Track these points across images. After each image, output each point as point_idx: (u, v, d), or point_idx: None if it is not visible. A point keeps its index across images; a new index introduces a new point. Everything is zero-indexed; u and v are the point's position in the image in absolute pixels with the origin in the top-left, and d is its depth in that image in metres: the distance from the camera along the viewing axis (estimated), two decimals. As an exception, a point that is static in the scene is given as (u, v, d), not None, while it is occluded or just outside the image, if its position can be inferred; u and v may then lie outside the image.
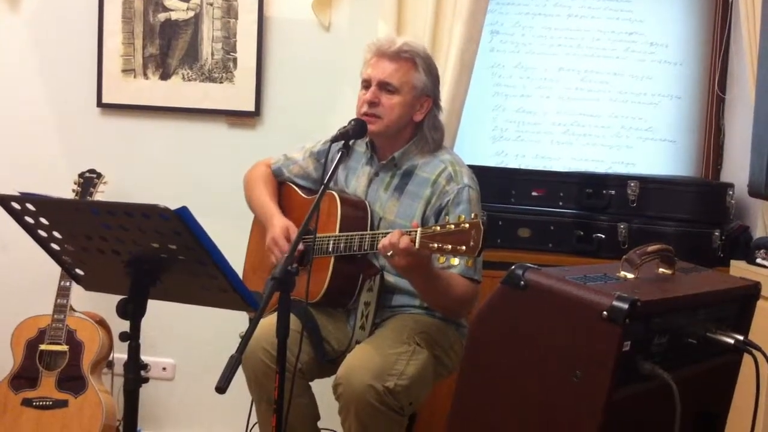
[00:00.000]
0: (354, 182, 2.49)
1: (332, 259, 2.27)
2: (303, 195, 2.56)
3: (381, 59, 2.34)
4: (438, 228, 1.96)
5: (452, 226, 1.93)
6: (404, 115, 2.35)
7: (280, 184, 2.64)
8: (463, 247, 1.90)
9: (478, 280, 2.28)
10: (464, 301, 2.26)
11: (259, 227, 2.58)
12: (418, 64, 2.35)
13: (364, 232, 2.23)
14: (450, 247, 1.91)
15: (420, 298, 2.33)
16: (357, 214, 2.36)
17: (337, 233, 2.27)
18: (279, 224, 2.41)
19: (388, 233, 2.06)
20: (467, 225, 1.91)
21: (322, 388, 2.40)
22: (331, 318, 2.41)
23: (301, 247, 2.26)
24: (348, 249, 2.22)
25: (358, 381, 2.08)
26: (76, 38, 3.33)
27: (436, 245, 1.94)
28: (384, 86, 2.33)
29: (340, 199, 2.34)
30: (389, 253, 2.02)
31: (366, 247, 2.19)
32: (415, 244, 1.97)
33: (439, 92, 2.45)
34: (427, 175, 2.36)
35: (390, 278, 2.35)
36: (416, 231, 1.99)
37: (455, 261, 1.95)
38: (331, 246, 2.26)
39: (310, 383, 2.39)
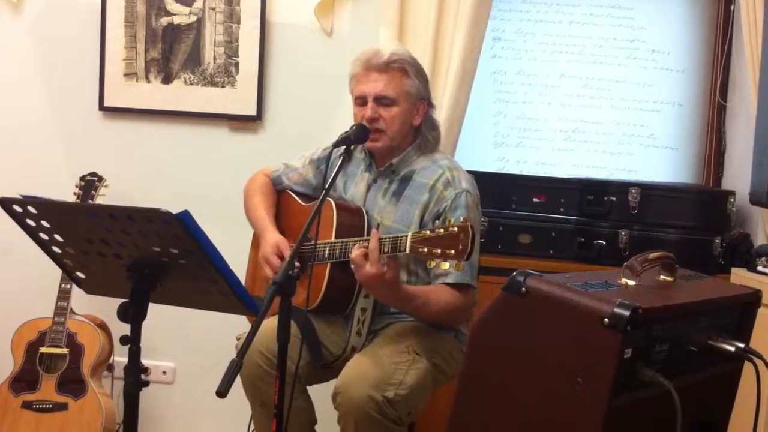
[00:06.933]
0: (352, 189, 2.49)
1: (329, 266, 2.27)
2: (301, 202, 2.55)
3: (371, 72, 2.33)
4: (428, 232, 1.97)
5: (442, 230, 1.94)
6: (405, 123, 2.36)
7: (279, 193, 2.64)
8: (452, 251, 1.91)
9: (471, 286, 2.29)
10: (455, 311, 2.28)
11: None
12: (409, 71, 2.34)
13: (358, 238, 2.23)
14: (439, 251, 1.93)
15: None
16: (353, 221, 2.36)
17: (333, 240, 2.27)
18: (270, 240, 2.41)
19: (386, 237, 2.07)
20: (456, 228, 1.92)
21: (320, 394, 2.40)
22: (329, 323, 2.41)
23: None
24: (343, 255, 2.22)
25: (357, 391, 2.07)
26: (78, 42, 3.34)
27: (425, 249, 1.95)
28: (380, 100, 2.32)
29: (336, 207, 2.34)
30: (352, 268, 2.05)
31: None
32: (376, 256, 2.00)
33: (429, 92, 2.45)
34: (424, 181, 2.36)
35: None
36: (407, 235, 2.00)
37: (446, 265, 1.95)
38: (327, 252, 2.26)
39: (308, 388, 2.39)
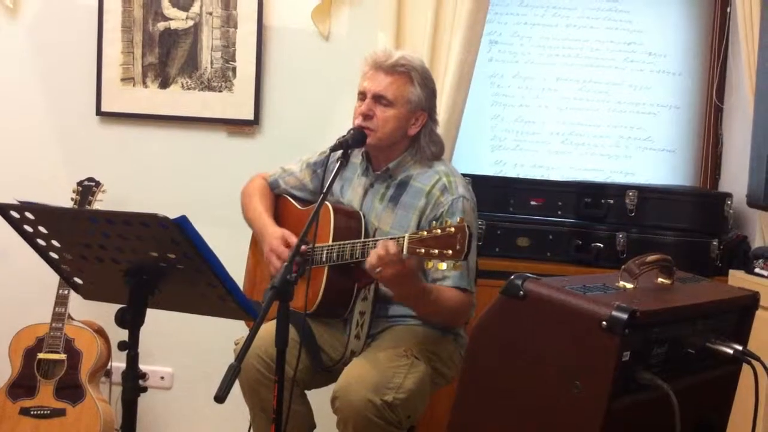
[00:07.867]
0: (349, 193, 2.49)
1: (326, 270, 2.27)
2: (298, 206, 2.56)
3: (377, 72, 2.34)
4: (425, 233, 1.98)
5: (438, 231, 1.95)
6: (398, 128, 2.35)
7: (277, 197, 2.64)
8: (450, 251, 1.92)
9: (470, 291, 2.29)
10: (458, 312, 2.28)
11: (258, 242, 2.57)
12: (414, 78, 2.34)
13: (356, 241, 2.23)
14: (437, 251, 1.93)
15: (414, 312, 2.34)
16: (350, 224, 2.36)
17: (330, 243, 2.27)
18: (274, 233, 2.41)
19: (379, 240, 2.07)
20: (453, 229, 1.93)
21: (319, 398, 2.40)
22: (327, 327, 2.41)
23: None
24: (340, 258, 2.22)
25: (356, 395, 2.07)
26: (76, 46, 3.34)
27: (423, 249, 1.96)
28: (379, 99, 2.32)
29: (334, 210, 2.34)
30: (377, 270, 2.02)
31: (357, 255, 2.19)
32: (402, 251, 1.99)
33: (435, 106, 2.44)
34: (421, 186, 2.36)
35: (385, 288, 2.35)
36: (404, 237, 2.00)
37: (443, 266, 1.96)
38: (324, 256, 2.26)
39: (307, 392, 2.39)
